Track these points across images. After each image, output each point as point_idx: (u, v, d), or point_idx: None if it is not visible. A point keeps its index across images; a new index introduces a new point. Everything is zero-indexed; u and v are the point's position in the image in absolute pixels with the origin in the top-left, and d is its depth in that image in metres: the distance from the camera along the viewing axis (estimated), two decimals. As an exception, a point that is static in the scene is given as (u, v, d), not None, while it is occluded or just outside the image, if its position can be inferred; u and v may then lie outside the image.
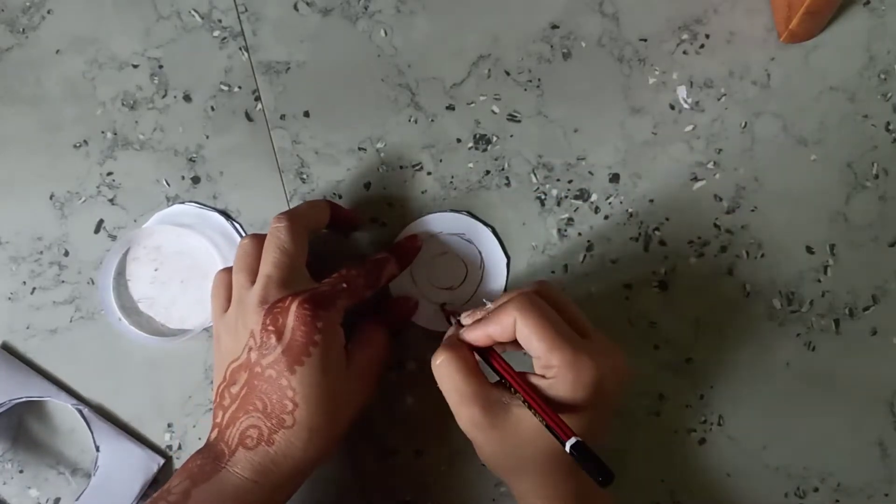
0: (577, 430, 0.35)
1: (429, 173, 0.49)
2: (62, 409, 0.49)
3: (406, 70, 0.49)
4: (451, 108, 0.49)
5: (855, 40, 0.48)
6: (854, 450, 0.46)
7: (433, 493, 0.47)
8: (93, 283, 0.49)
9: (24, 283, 0.50)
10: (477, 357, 0.41)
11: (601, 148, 0.48)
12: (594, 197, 0.48)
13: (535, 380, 0.38)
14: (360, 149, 0.49)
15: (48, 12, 0.51)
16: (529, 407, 0.37)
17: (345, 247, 0.48)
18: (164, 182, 0.50)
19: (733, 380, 0.46)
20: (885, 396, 0.46)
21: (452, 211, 0.48)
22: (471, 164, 0.49)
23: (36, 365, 0.49)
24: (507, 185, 0.48)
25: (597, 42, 0.49)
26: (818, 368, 0.46)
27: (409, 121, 0.49)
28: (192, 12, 0.51)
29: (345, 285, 0.41)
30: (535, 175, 0.48)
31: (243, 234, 0.49)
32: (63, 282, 0.50)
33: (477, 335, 0.40)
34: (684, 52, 0.48)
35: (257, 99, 0.50)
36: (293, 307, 0.39)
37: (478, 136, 0.49)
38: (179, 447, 0.48)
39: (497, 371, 0.39)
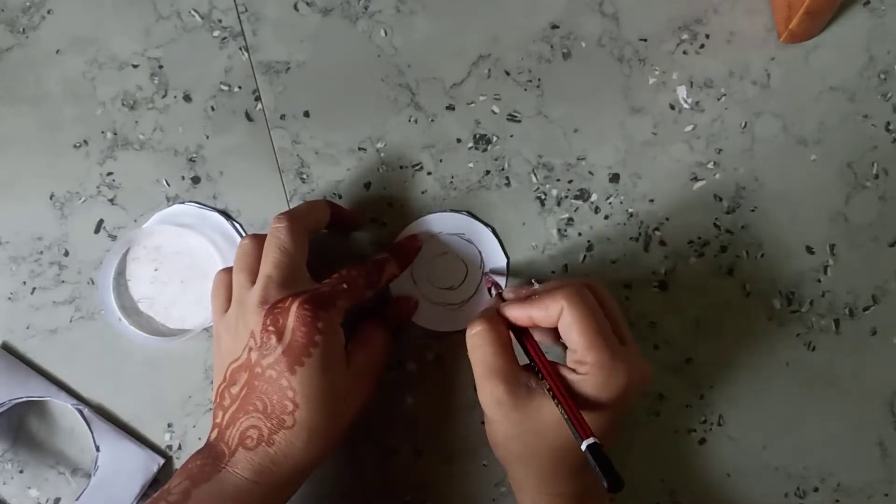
0: (595, 432, 0.36)
1: (429, 173, 0.49)
2: (62, 409, 0.49)
3: (406, 70, 0.49)
4: (451, 108, 0.49)
5: (855, 40, 0.48)
6: (854, 450, 0.46)
7: (433, 493, 0.47)
8: (93, 283, 0.49)
9: (24, 283, 0.50)
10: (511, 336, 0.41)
11: (601, 148, 0.48)
12: (594, 197, 0.48)
13: (565, 371, 0.38)
14: (360, 149, 0.49)
15: (48, 12, 0.51)
16: (554, 397, 0.37)
17: (345, 247, 0.48)
18: (164, 182, 0.50)
19: (733, 380, 0.46)
20: (885, 396, 0.46)
21: (452, 211, 0.48)
22: (471, 164, 0.49)
23: (36, 365, 0.49)
24: (507, 185, 0.48)
25: (597, 42, 0.49)
26: (818, 368, 0.46)
27: (409, 121, 0.49)
28: (192, 12, 0.51)
29: (345, 286, 0.41)
30: (535, 175, 0.48)
31: (243, 234, 0.49)
32: (63, 282, 0.50)
33: (518, 314, 0.40)
34: (684, 52, 0.48)
35: (257, 99, 0.50)
36: (293, 308, 0.39)
37: (478, 136, 0.49)
38: (179, 447, 0.48)
39: (529, 354, 0.40)
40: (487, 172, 0.48)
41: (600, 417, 0.37)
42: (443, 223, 0.48)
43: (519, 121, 0.49)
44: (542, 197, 0.48)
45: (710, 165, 0.48)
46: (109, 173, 0.50)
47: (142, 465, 0.47)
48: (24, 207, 0.50)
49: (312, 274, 0.42)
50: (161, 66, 0.51)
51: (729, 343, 0.47)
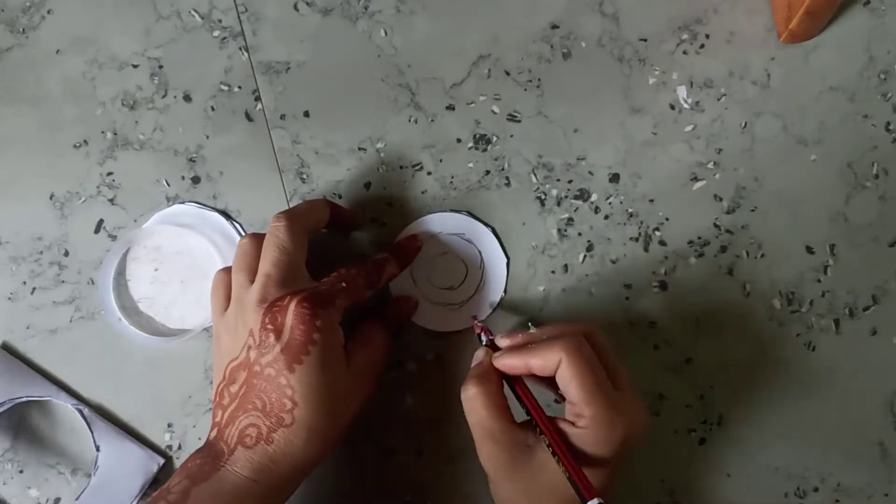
0: (596, 484, 0.35)
1: (429, 173, 0.49)
2: (62, 409, 0.49)
3: (406, 70, 0.49)
4: (451, 108, 0.49)
5: (855, 40, 0.48)
6: (854, 450, 0.46)
7: (433, 493, 0.47)
8: (93, 283, 0.49)
9: (24, 283, 0.50)
10: (505, 388, 0.40)
11: (601, 148, 0.48)
12: (594, 197, 0.48)
13: (563, 425, 0.38)
14: (360, 149, 0.49)
15: (48, 12, 0.51)
16: (554, 454, 0.36)
17: (345, 247, 0.48)
18: (164, 182, 0.50)
19: (733, 380, 0.46)
20: (885, 396, 0.46)
21: (452, 211, 0.48)
22: (471, 164, 0.49)
23: (36, 365, 0.49)
24: (507, 185, 0.48)
25: (597, 42, 0.49)
26: (818, 368, 0.46)
27: (409, 121, 0.49)
28: (192, 12, 0.51)
29: (344, 284, 0.41)
30: (535, 175, 0.48)
31: (243, 234, 0.49)
32: (63, 282, 0.50)
33: (515, 364, 0.39)
34: (684, 52, 0.48)
35: (257, 99, 0.50)
36: (292, 306, 0.39)
37: (478, 136, 0.49)
38: (179, 447, 0.48)
39: (525, 408, 0.39)
40: (487, 172, 0.48)
41: (602, 471, 0.37)
42: (443, 223, 0.48)
43: (519, 121, 0.49)
44: (542, 197, 0.48)
45: (710, 165, 0.48)
46: (109, 173, 0.50)
47: (142, 465, 0.47)
48: (24, 207, 0.50)
49: (312, 273, 0.42)
50: (161, 66, 0.51)
51: (729, 343, 0.47)
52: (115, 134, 0.50)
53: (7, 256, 0.50)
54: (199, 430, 0.48)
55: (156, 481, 0.47)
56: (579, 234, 0.48)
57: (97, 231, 0.50)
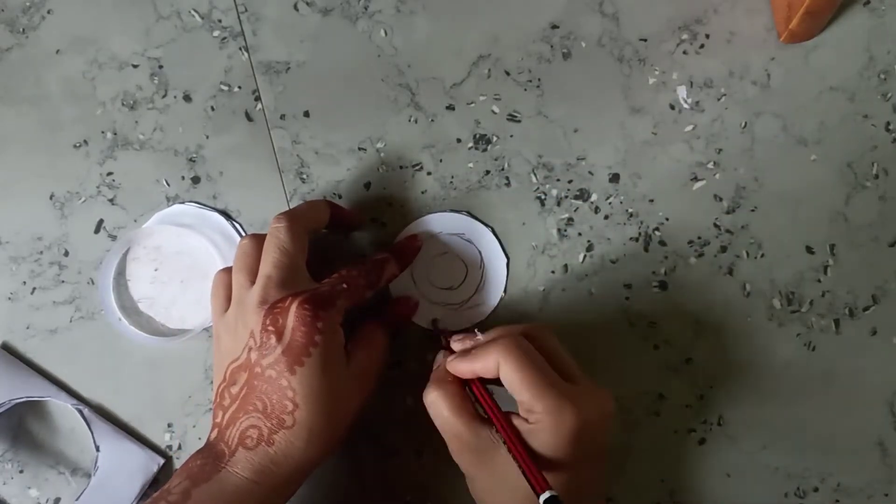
0: (558, 483, 0.35)
1: (429, 173, 0.49)
2: (62, 409, 0.49)
3: (406, 70, 0.49)
4: (451, 108, 0.49)
5: (855, 40, 0.48)
6: (854, 450, 0.46)
7: (433, 493, 0.47)
8: (93, 283, 0.49)
9: (24, 283, 0.50)
10: (466, 389, 0.40)
11: (601, 148, 0.48)
12: (594, 197, 0.48)
13: (517, 422, 0.38)
14: (360, 149, 0.49)
15: (48, 12, 0.51)
16: (509, 450, 0.36)
17: (345, 247, 0.48)
18: (164, 182, 0.50)
19: (733, 380, 0.46)
20: (885, 396, 0.46)
21: (452, 211, 0.48)
22: (471, 164, 0.49)
23: (36, 365, 0.49)
24: (507, 185, 0.48)
25: (597, 42, 0.49)
26: (818, 368, 0.46)
27: (409, 121, 0.49)
28: (192, 12, 0.51)
29: (345, 285, 0.41)
30: (535, 175, 0.48)
31: (243, 234, 0.49)
32: (63, 282, 0.50)
33: (462, 369, 0.40)
34: (684, 52, 0.48)
35: (257, 99, 0.50)
36: (293, 307, 0.39)
37: (478, 136, 0.49)
38: (179, 447, 0.48)
39: (482, 408, 0.39)
40: (487, 172, 0.48)
41: (566, 465, 0.37)
42: (443, 223, 0.48)
43: (519, 121, 0.49)
44: (542, 197, 0.48)
45: (710, 165, 0.48)
46: (109, 173, 0.50)
47: (142, 465, 0.47)
48: (24, 207, 0.50)
49: (312, 274, 0.42)
50: (161, 66, 0.51)
51: (729, 343, 0.47)
52: (115, 134, 0.50)
53: (7, 256, 0.50)
54: (199, 430, 0.48)
55: (156, 481, 0.47)
56: (579, 234, 0.48)
57: (97, 231, 0.50)
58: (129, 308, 0.49)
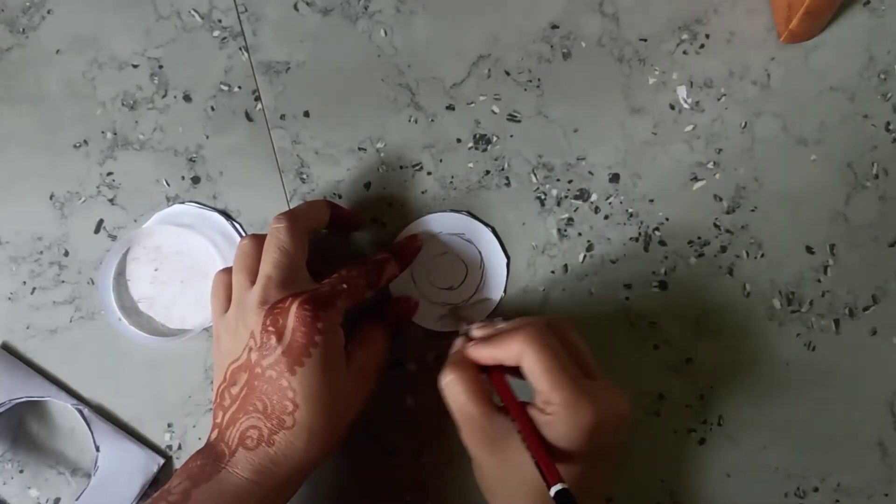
0: (568, 476, 0.35)
1: (429, 173, 0.49)
2: (62, 409, 0.49)
3: (406, 70, 0.49)
4: (451, 108, 0.49)
5: (855, 40, 0.48)
6: (854, 450, 0.46)
7: (433, 493, 0.47)
8: (93, 283, 0.49)
9: (24, 283, 0.50)
10: (484, 376, 0.40)
11: (601, 148, 0.48)
12: (594, 197, 0.48)
13: (533, 412, 0.37)
14: (360, 149, 0.49)
15: (48, 12, 0.51)
16: (523, 440, 0.36)
17: (345, 247, 0.48)
18: (164, 182, 0.50)
19: (733, 380, 0.46)
20: (885, 396, 0.46)
21: (452, 211, 0.48)
22: (471, 164, 0.49)
23: (36, 365, 0.49)
24: (507, 185, 0.48)
25: (597, 42, 0.49)
26: (818, 368, 0.46)
27: (409, 121, 0.49)
28: (192, 12, 0.51)
29: (345, 286, 0.41)
30: (535, 175, 0.48)
31: (243, 234, 0.49)
32: (63, 282, 0.50)
33: (483, 355, 0.39)
34: (684, 52, 0.48)
35: (257, 99, 0.50)
36: (293, 308, 0.39)
37: (478, 136, 0.49)
38: (179, 447, 0.48)
39: (499, 395, 0.39)
40: (487, 172, 0.48)
41: (577, 459, 0.37)
42: (443, 223, 0.48)
43: (519, 121, 0.49)
44: (542, 197, 0.48)
45: (710, 165, 0.48)
46: (109, 173, 0.50)
47: (142, 465, 0.47)
48: (24, 207, 0.50)
49: (312, 274, 0.42)
50: (161, 66, 0.51)
51: (729, 343, 0.47)
52: (115, 134, 0.50)
53: (7, 256, 0.50)
54: (199, 430, 0.48)
55: (156, 481, 0.47)
56: (579, 234, 0.48)
57: (97, 231, 0.50)
58: (129, 308, 0.49)
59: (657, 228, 0.47)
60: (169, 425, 0.48)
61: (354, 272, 0.42)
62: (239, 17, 0.50)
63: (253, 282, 0.41)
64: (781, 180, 0.47)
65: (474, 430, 0.38)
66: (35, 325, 0.49)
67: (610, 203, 0.48)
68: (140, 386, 0.48)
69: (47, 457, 0.49)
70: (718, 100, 0.48)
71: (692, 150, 0.48)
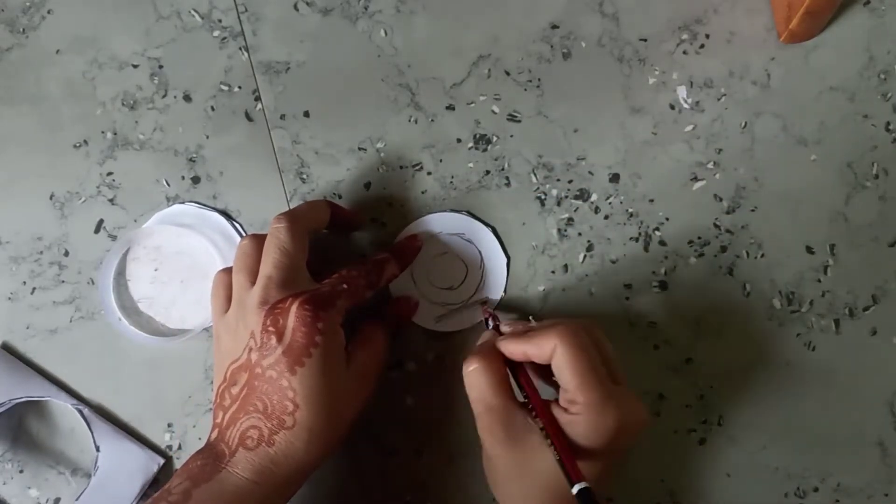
0: (587, 475, 0.35)
1: (429, 173, 0.49)
2: (62, 409, 0.49)
3: (406, 70, 0.49)
4: (451, 108, 0.49)
5: (855, 40, 0.48)
6: (854, 450, 0.46)
7: (433, 493, 0.47)
8: (93, 283, 0.49)
9: (24, 283, 0.50)
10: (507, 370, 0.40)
11: (601, 148, 0.48)
12: (594, 197, 0.48)
13: (556, 411, 0.38)
14: (360, 149, 0.49)
15: (48, 12, 0.51)
16: (546, 436, 0.37)
17: (345, 247, 0.48)
18: (164, 182, 0.50)
19: (733, 380, 0.46)
20: (885, 396, 0.46)
21: (452, 211, 0.48)
22: (471, 164, 0.49)
23: (36, 365, 0.49)
24: (507, 185, 0.48)
25: (597, 42, 0.49)
26: (818, 368, 0.46)
27: (409, 121, 0.49)
28: (192, 12, 0.51)
29: (345, 286, 0.41)
30: (535, 175, 0.48)
31: (243, 234, 0.49)
32: (63, 282, 0.50)
33: (513, 349, 0.39)
34: (684, 52, 0.48)
35: (257, 99, 0.50)
36: (294, 308, 0.39)
37: (478, 136, 0.49)
38: (179, 447, 0.48)
39: (524, 391, 0.39)
40: (487, 172, 0.48)
41: (593, 460, 0.37)
42: (443, 223, 0.48)
43: (519, 121, 0.49)
44: (542, 197, 0.48)
45: (710, 165, 0.48)
46: (109, 173, 0.50)
47: (142, 465, 0.47)
48: (24, 207, 0.50)
49: (312, 274, 0.42)
50: (161, 66, 0.51)
51: (729, 343, 0.47)
52: (115, 134, 0.50)
53: (7, 256, 0.50)
54: (199, 430, 0.48)
55: (156, 481, 0.47)
56: (579, 234, 0.48)
57: (97, 231, 0.50)
58: (129, 308, 0.49)
59: (657, 228, 0.47)
60: (169, 425, 0.48)
61: (354, 272, 0.42)
62: (239, 17, 0.50)
63: (253, 282, 0.41)
64: (781, 180, 0.47)
65: (493, 421, 0.38)
66: (35, 325, 0.49)
67: (610, 203, 0.48)
68: (140, 386, 0.48)
69: (47, 457, 0.49)
70: (718, 100, 0.48)
71: (692, 150, 0.48)
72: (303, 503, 0.45)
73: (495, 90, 0.49)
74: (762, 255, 0.47)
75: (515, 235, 0.48)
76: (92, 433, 0.47)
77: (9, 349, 0.49)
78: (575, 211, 0.48)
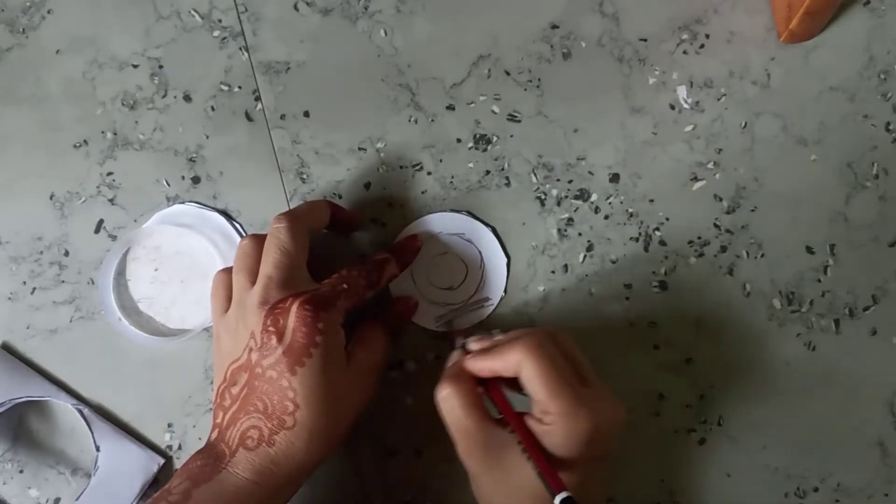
0: (569, 483, 0.35)
1: (429, 173, 0.49)
2: (62, 409, 0.49)
3: (406, 70, 0.49)
4: (451, 108, 0.49)
5: (855, 40, 0.48)
6: (854, 450, 0.46)
7: (433, 493, 0.47)
8: (93, 283, 0.49)
9: (24, 283, 0.50)
10: (480, 389, 0.40)
11: (601, 148, 0.48)
12: (594, 197, 0.48)
13: (531, 423, 0.37)
14: (360, 149, 0.49)
15: (48, 12, 0.51)
16: (524, 450, 0.36)
17: (345, 247, 0.48)
18: (164, 182, 0.50)
19: (733, 380, 0.46)
20: (885, 396, 0.46)
21: (452, 211, 0.48)
22: (471, 164, 0.49)
23: (36, 365, 0.49)
24: (507, 185, 0.48)
25: (597, 42, 0.49)
26: (818, 368, 0.46)
27: (409, 121, 0.49)
28: (192, 12, 0.51)
29: (345, 286, 0.41)
30: (535, 175, 0.48)
31: (243, 234, 0.49)
32: (63, 282, 0.50)
33: (480, 367, 0.39)
34: (684, 52, 0.48)
35: (257, 99, 0.50)
36: (294, 308, 0.39)
37: (478, 136, 0.49)
38: (179, 447, 0.48)
39: (497, 407, 0.39)
40: (487, 172, 0.48)
41: (576, 467, 0.37)
42: (443, 223, 0.48)
43: (519, 121, 0.49)
44: (542, 197, 0.48)
45: (710, 165, 0.48)
46: (109, 173, 0.50)
47: (142, 465, 0.47)
48: (24, 207, 0.50)
49: (312, 274, 0.42)
50: (161, 66, 0.51)
51: (729, 343, 0.47)
52: (115, 134, 0.50)
53: (7, 256, 0.50)
54: (199, 430, 0.48)
55: (156, 481, 0.47)
56: (579, 234, 0.48)
57: (97, 231, 0.50)
58: (129, 308, 0.49)
59: (657, 228, 0.47)
60: (169, 425, 0.48)
61: (355, 272, 0.42)
62: (239, 17, 0.50)
63: (253, 282, 0.41)
64: (781, 180, 0.47)
65: (471, 444, 0.38)
66: (35, 325, 0.49)
67: (610, 203, 0.48)
68: (140, 386, 0.48)
69: (47, 457, 0.49)
70: (718, 100, 0.48)
71: (692, 150, 0.48)
72: (303, 503, 0.45)
73: (495, 90, 0.49)
74: (762, 255, 0.47)
75: (515, 235, 0.48)
76: (92, 433, 0.47)
77: (9, 349, 0.49)
78: (575, 211, 0.48)
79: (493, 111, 0.49)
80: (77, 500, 0.46)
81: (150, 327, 0.49)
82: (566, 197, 0.48)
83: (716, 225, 0.47)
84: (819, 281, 0.47)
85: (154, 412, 0.48)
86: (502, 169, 0.48)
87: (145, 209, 0.50)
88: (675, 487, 0.46)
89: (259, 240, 0.43)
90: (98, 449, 0.47)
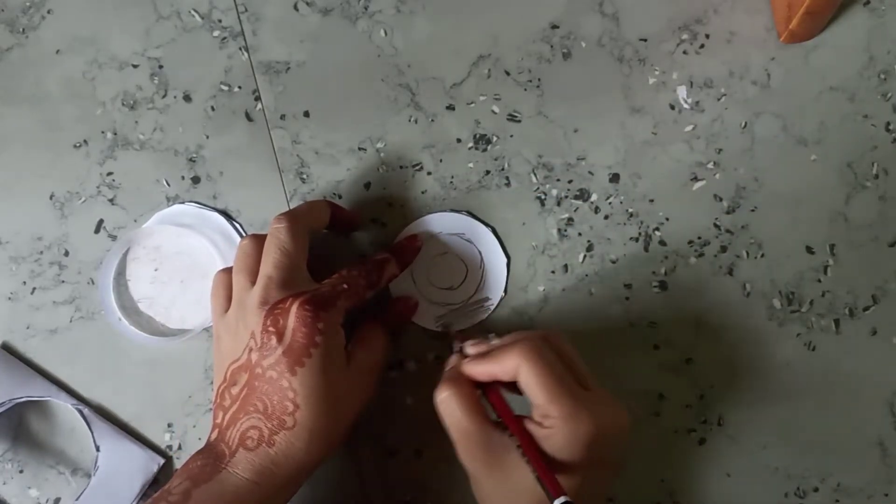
0: (569, 488, 0.35)
1: (429, 173, 0.49)
2: (62, 409, 0.49)
3: (406, 70, 0.49)
4: (451, 108, 0.49)
5: (855, 40, 0.48)
6: (854, 450, 0.46)
7: (433, 493, 0.47)
8: (93, 283, 0.49)
9: (24, 283, 0.50)
10: (478, 392, 0.40)
11: (601, 148, 0.48)
12: (594, 197, 0.48)
13: (531, 426, 0.37)
14: (360, 149, 0.49)
15: (48, 12, 0.51)
16: (523, 454, 0.36)
17: (345, 247, 0.48)
18: (164, 182, 0.50)
19: (733, 380, 0.46)
20: (885, 396, 0.46)
21: (452, 211, 0.48)
22: (471, 164, 0.49)
23: (36, 365, 0.49)
24: (507, 185, 0.48)
25: (597, 42, 0.49)
26: (818, 368, 0.46)
27: (409, 121, 0.49)
28: (192, 12, 0.51)
29: (345, 286, 0.41)
30: (535, 175, 0.48)
31: (243, 234, 0.49)
32: (63, 282, 0.50)
33: (478, 371, 0.39)
34: (684, 52, 0.48)
35: (257, 99, 0.50)
36: (294, 308, 0.39)
37: (478, 136, 0.49)
38: (179, 447, 0.48)
39: (496, 411, 0.39)
40: (487, 172, 0.48)
41: (576, 471, 0.37)
42: (443, 223, 0.48)
43: (519, 121, 0.49)
44: (542, 197, 0.48)
45: (710, 165, 0.48)
46: (109, 173, 0.50)
47: (142, 465, 0.47)
48: (24, 207, 0.50)
49: (312, 274, 0.42)
50: (161, 66, 0.51)
51: (729, 343, 0.47)
52: (115, 134, 0.50)
53: (7, 256, 0.50)
54: (199, 430, 0.48)
55: (156, 481, 0.47)
56: (579, 234, 0.48)
57: (97, 231, 0.50)
58: (129, 308, 0.49)
59: (657, 228, 0.47)
60: (169, 425, 0.48)
61: (355, 272, 0.42)
62: (239, 17, 0.50)
63: (253, 282, 0.41)
64: (781, 180, 0.47)
65: (471, 446, 0.38)
66: (35, 325, 0.49)
67: (610, 203, 0.48)
68: (140, 386, 0.48)
69: (47, 457, 0.49)
70: (718, 100, 0.48)
71: (692, 150, 0.48)
72: (303, 503, 0.45)
73: (495, 90, 0.49)
74: (762, 255, 0.47)
75: (515, 235, 0.48)
76: (92, 433, 0.47)
77: (9, 349, 0.49)
78: (575, 211, 0.48)
79: (493, 111, 0.49)
80: (77, 500, 0.46)
81: (150, 327, 0.49)
82: (566, 197, 0.48)
83: (716, 225, 0.47)
84: (819, 281, 0.47)
85: (154, 412, 0.48)
86: (502, 169, 0.48)
87: (145, 209, 0.50)
88: (675, 487, 0.46)
89: (259, 240, 0.43)
90: (98, 449, 0.47)
